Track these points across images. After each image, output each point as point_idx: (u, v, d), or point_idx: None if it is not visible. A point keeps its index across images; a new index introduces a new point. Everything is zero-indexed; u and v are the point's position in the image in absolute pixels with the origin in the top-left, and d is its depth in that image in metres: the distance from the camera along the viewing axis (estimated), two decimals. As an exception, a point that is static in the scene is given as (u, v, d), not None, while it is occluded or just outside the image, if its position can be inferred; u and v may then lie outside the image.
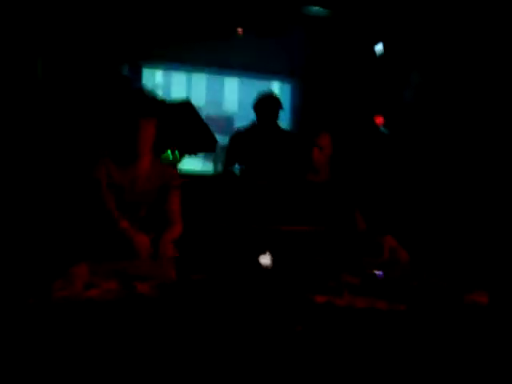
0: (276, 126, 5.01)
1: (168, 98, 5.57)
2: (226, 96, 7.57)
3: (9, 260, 2.65)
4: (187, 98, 5.31)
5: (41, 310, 2.22)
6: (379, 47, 6.22)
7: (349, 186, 3.87)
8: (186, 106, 4.99)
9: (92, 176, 3.28)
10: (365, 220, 3.78)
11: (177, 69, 7.22)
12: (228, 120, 7.41)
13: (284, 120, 5.44)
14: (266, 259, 2.70)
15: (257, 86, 6.22)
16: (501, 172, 4.39)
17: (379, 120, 6.26)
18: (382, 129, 6.19)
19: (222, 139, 5.59)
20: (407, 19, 5.65)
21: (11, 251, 2.77)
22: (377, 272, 2.77)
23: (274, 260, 2.71)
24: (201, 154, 5.73)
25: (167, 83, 7.34)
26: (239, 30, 6.49)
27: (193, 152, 5.05)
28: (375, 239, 3.43)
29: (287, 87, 7.34)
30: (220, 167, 6.13)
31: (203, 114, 5.29)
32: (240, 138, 5.06)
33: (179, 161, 4.82)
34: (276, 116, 4.97)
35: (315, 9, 6.21)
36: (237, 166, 5.05)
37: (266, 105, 4.93)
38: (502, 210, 4.13)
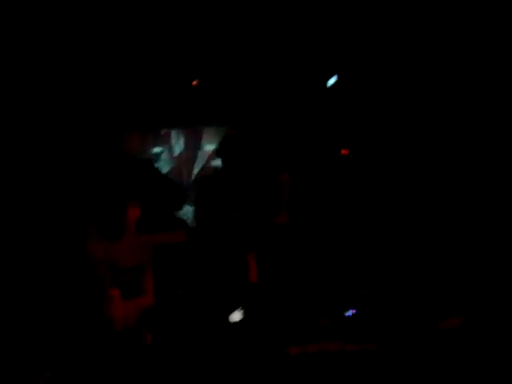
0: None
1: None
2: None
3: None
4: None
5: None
6: (332, 80, 6.33)
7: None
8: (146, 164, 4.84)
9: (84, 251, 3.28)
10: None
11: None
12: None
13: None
14: (237, 315, 2.73)
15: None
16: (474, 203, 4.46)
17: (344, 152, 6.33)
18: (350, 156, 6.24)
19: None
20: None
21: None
22: (348, 313, 2.81)
23: (246, 315, 2.74)
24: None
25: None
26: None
27: (157, 209, 4.87)
28: None
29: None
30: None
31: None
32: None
33: None
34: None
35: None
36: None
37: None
38: (476, 235, 4.16)
